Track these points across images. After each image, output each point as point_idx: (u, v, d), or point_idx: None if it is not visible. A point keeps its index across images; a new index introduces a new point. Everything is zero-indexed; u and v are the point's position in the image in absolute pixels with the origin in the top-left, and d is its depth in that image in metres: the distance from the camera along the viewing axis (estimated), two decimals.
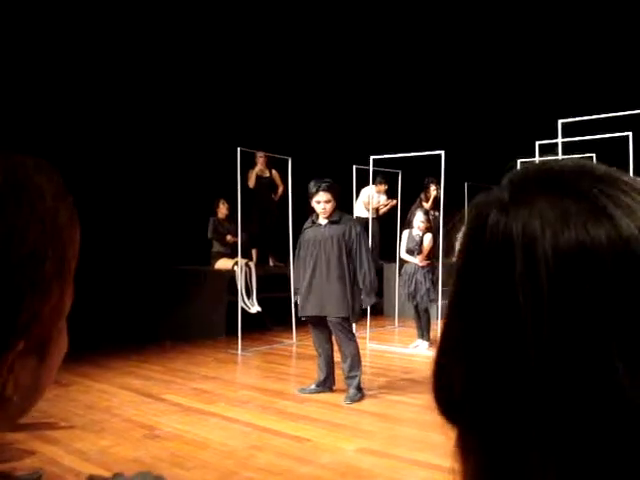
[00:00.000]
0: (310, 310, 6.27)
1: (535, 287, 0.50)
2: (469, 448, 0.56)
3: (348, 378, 6.30)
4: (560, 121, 6.70)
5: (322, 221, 6.34)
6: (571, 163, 0.57)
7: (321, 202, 6.24)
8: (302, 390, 6.52)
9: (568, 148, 7.03)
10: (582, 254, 0.50)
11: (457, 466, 0.59)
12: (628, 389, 0.49)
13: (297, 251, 6.64)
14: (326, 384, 6.51)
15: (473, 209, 0.59)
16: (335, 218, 6.31)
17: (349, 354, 6.28)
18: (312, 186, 6.27)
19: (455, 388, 0.55)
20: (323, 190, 6.21)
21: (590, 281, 0.50)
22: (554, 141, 7.04)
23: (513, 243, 0.52)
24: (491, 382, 0.52)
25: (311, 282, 6.27)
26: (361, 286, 6.27)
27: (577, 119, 6.68)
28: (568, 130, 6.82)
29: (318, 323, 6.36)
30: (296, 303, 6.83)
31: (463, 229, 0.59)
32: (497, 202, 0.55)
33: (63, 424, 5.30)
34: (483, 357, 0.52)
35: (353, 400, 6.16)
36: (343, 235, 6.24)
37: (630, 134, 6.65)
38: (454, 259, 0.61)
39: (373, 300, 6.59)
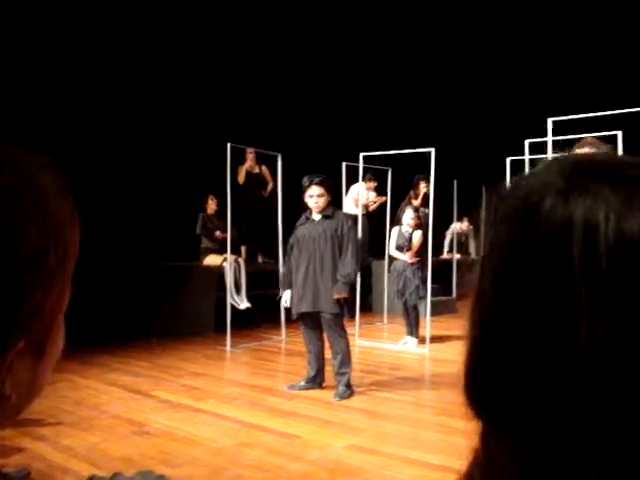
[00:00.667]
0: (304, 306, 6.25)
1: (594, 272, 0.50)
2: (503, 441, 0.55)
3: (338, 375, 6.30)
4: (550, 119, 6.70)
5: (315, 216, 6.34)
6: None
7: (314, 196, 6.24)
8: (291, 387, 6.51)
9: (558, 147, 7.04)
10: None
11: (482, 462, 0.58)
12: None
13: (289, 247, 6.61)
14: (316, 381, 6.51)
15: (517, 196, 0.58)
16: (328, 213, 6.31)
17: (340, 350, 6.28)
18: (305, 180, 6.28)
19: (495, 377, 0.55)
20: (316, 184, 6.22)
21: None
22: (544, 139, 7.05)
23: (573, 228, 0.52)
24: (537, 370, 0.52)
25: (305, 277, 6.26)
26: (338, 275, 6.21)
27: (567, 117, 6.69)
28: (557, 128, 6.83)
29: (310, 319, 6.35)
30: (279, 299, 6.77)
31: (499, 215, 0.59)
32: (551, 188, 0.55)
33: (51, 421, 5.28)
34: (532, 343, 0.52)
35: (342, 397, 6.16)
36: (336, 230, 6.24)
37: (619, 133, 6.65)
38: (486, 247, 0.61)
39: (344, 292, 6.41)
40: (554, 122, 6.70)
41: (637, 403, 0.49)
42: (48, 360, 0.68)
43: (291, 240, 6.57)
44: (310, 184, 6.23)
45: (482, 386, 0.57)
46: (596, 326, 0.50)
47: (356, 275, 6.50)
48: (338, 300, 6.18)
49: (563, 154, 0.62)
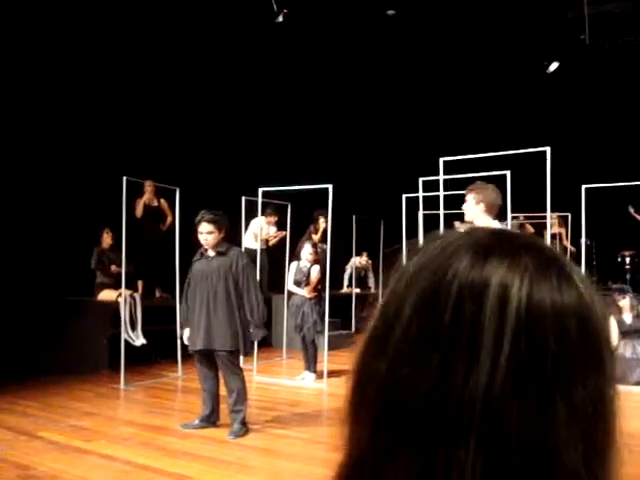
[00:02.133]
0: (199, 344, 6.18)
1: (500, 331, 0.54)
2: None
3: (233, 412, 6.24)
4: (442, 159, 6.93)
5: (210, 253, 6.32)
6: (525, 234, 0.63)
7: (203, 233, 6.24)
8: (185, 426, 6.40)
9: (449, 185, 7.28)
10: (553, 310, 0.55)
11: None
12: (564, 450, 0.52)
13: (186, 284, 6.55)
14: (210, 419, 6.42)
15: (434, 247, 0.61)
16: (221, 249, 6.29)
17: (235, 388, 6.22)
18: (197, 217, 6.27)
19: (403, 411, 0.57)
20: (205, 221, 6.21)
21: (556, 335, 0.54)
22: (436, 178, 7.27)
23: (486, 287, 0.56)
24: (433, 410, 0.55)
25: (199, 315, 6.19)
26: (249, 319, 6.24)
27: (458, 157, 6.94)
28: (449, 168, 7.07)
29: (205, 357, 6.28)
30: (181, 337, 6.70)
31: (409, 264, 0.62)
32: (469, 248, 0.59)
33: None
34: (436, 386, 0.55)
35: (237, 435, 6.10)
36: (230, 267, 6.22)
37: (508, 173, 6.94)
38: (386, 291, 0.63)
39: (262, 333, 6.55)
40: (445, 162, 6.93)
41: (519, 459, 0.52)
42: None
43: (188, 276, 6.52)
44: (200, 221, 6.24)
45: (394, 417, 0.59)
46: (495, 377, 0.53)
47: (265, 313, 6.48)
48: (238, 337, 6.16)
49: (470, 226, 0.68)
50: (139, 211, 10.68)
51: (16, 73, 9.69)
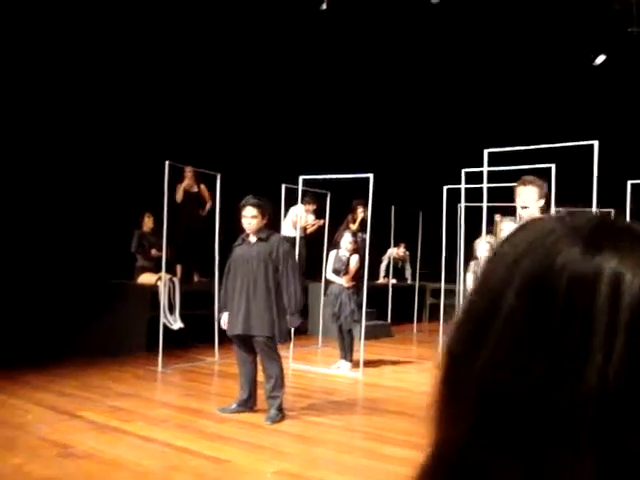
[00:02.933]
0: (237, 329, 6.20)
1: (613, 326, 0.52)
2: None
3: (270, 398, 6.26)
4: (486, 151, 6.85)
5: (251, 239, 6.34)
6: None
7: (247, 217, 6.26)
8: (222, 410, 6.44)
9: (492, 177, 7.20)
10: None
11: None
12: None
13: (226, 268, 6.57)
14: (247, 404, 6.45)
15: (533, 231, 0.59)
16: (262, 236, 6.30)
17: (273, 374, 6.24)
18: (242, 202, 6.30)
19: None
20: (250, 205, 6.25)
21: None
22: (480, 169, 7.20)
23: (598, 278, 0.54)
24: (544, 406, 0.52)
25: (239, 300, 6.22)
26: (286, 306, 6.24)
27: (503, 149, 6.85)
28: (493, 159, 6.98)
29: (243, 342, 6.31)
30: (219, 321, 6.73)
31: (512, 252, 0.59)
32: (576, 236, 0.57)
33: None
34: (545, 381, 0.53)
35: (274, 421, 6.13)
36: (270, 254, 6.22)
37: (553, 166, 6.84)
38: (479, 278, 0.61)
39: (298, 321, 6.55)
40: (490, 153, 6.85)
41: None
42: None
43: (229, 260, 6.54)
44: (245, 205, 6.28)
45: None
46: (608, 374, 0.52)
47: (302, 301, 6.47)
48: (274, 324, 6.17)
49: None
50: (179, 196, 10.75)
51: (62, 54, 9.79)
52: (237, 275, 6.30)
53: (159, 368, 8.41)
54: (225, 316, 6.41)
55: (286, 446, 5.45)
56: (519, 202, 5.46)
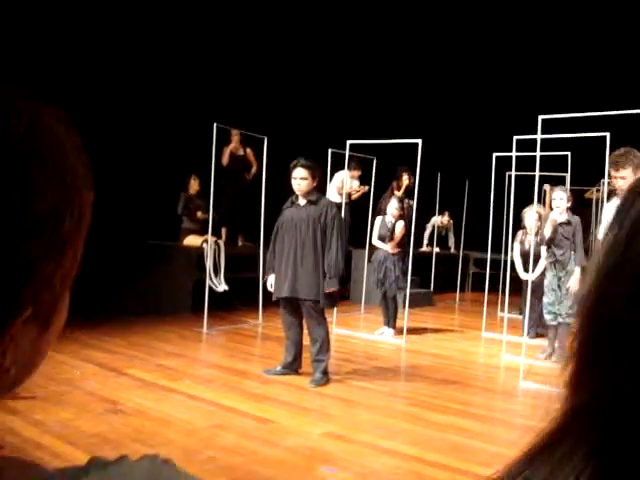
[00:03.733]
0: (284, 291, 6.21)
1: None
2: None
3: (315, 362, 6.28)
4: (540, 117, 6.69)
5: (301, 201, 6.30)
6: None
7: (297, 178, 6.22)
8: (268, 371, 6.49)
9: (544, 145, 7.06)
10: None
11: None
12: None
13: (274, 230, 6.50)
14: (292, 366, 6.48)
15: None
16: (312, 198, 6.26)
17: (318, 337, 6.26)
18: (293, 163, 6.27)
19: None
20: (301, 166, 6.20)
21: None
22: (532, 137, 7.05)
23: None
24: None
25: (286, 263, 6.21)
26: (325, 269, 6.18)
27: (557, 116, 6.69)
28: (545, 126, 6.83)
29: (290, 305, 6.32)
30: (264, 283, 6.72)
31: None
32: None
33: (24, 394, 5.20)
34: None
35: (318, 384, 6.15)
36: (319, 217, 6.19)
37: (608, 134, 6.68)
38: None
39: (335, 287, 6.37)
40: (544, 120, 6.70)
41: None
42: (52, 333, 0.64)
43: (277, 223, 6.50)
44: (296, 166, 6.23)
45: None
46: None
47: (343, 267, 6.40)
48: (330, 293, 6.15)
49: None
50: (225, 159, 10.76)
51: (109, 19, 9.81)
52: (285, 237, 6.28)
53: (204, 329, 8.50)
54: (272, 278, 6.40)
55: (331, 409, 5.47)
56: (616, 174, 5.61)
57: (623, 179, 5.78)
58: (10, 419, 4.62)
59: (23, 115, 0.56)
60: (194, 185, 10.65)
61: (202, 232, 9.95)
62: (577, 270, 7.51)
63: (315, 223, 6.18)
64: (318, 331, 6.25)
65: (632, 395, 0.49)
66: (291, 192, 6.36)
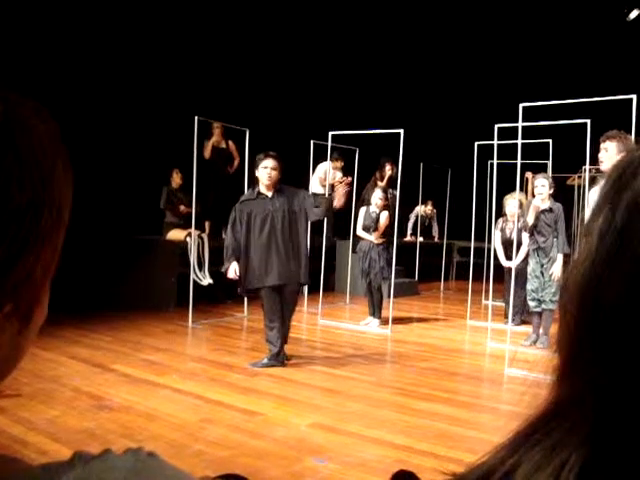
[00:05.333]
0: (271, 280, 6.31)
1: None
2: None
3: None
4: (521, 105, 6.71)
5: (267, 193, 6.42)
6: None
7: (268, 168, 6.33)
8: (254, 364, 6.49)
9: (526, 133, 7.08)
10: None
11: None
12: None
13: (235, 220, 6.49)
14: (278, 358, 6.50)
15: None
16: (278, 188, 6.46)
17: (291, 319, 6.69)
18: (260, 155, 6.43)
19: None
20: (271, 157, 6.37)
21: None
22: (514, 125, 7.07)
23: None
24: None
25: (269, 253, 6.32)
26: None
27: (538, 104, 6.71)
28: (526, 114, 6.86)
29: (274, 293, 6.43)
30: (226, 271, 6.66)
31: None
32: None
33: (9, 392, 5.18)
34: None
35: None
36: (291, 205, 6.41)
37: (588, 121, 6.72)
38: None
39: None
40: (525, 107, 6.72)
41: None
42: (33, 327, 0.64)
43: (236, 214, 6.49)
44: (266, 156, 6.37)
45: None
46: None
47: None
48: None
49: None
50: (207, 152, 10.72)
51: (91, 14, 9.73)
52: (262, 229, 6.36)
53: (189, 323, 8.49)
54: (234, 265, 6.44)
55: (318, 400, 5.48)
56: (602, 157, 5.67)
57: (605, 151, 5.86)
58: None
59: None
60: (176, 179, 10.61)
61: (185, 226, 9.92)
62: (560, 257, 7.56)
63: (289, 213, 6.38)
64: (292, 314, 6.67)
65: (628, 387, 0.49)
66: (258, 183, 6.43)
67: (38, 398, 5.14)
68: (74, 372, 6.01)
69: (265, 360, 6.51)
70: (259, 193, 6.45)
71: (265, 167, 6.32)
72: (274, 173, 6.33)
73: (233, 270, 6.45)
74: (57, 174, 0.60)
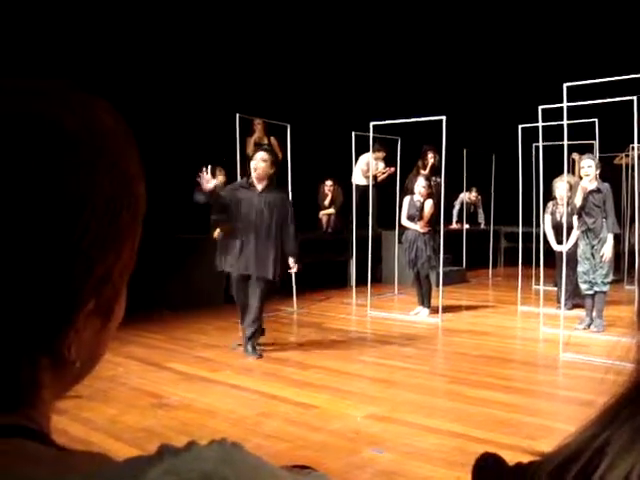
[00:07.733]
0: (248, 269, 6.55)
1: None
2: None
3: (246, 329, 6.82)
4: (565, 85, 6.60)
5: (258, 186, 6.60)
6: None
7: (257, 160, 6.59)
8: (239, 345, 6.93)
9: (570, 113, 6.97)
10: None
11: None
12: None
13: (223, 200, 6.66)
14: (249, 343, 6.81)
15: None
16: (268, 184, 6.64)
17: (254, 309, 6.78)
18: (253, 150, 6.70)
19: None
20: (264, 150, 6.80)
21: None
22: (558, 105, 6.96)
23: None
24: None
25: (246, 243, 6.52)
26: (288, 251, 6.65)
27: (582, 83, 6.60)
28: (571, 94, 6.74)
29: (242, 280, 6.72)
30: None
31: None
32: None
33: (69, 394, 5.26)
34: None
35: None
36: (279, 206, 6.61)
37: (635, 98, 6.58)
38: None
39: (298, 262, 6.83)
40: (568, 88, 6.61)
41: None
42: (113, 325, 0.65)
43: (230, 197, 6.63)
44: (258, 150, 6.89)
45: None
46: None
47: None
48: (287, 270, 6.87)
49: None
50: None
51: (135, 16, 9.84)
52: (244, 218, 6.52)
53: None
54: (217, 231, 6.94)
55: (372, 391, 5.49)
56: None
57: None
58: (57, 419, 4.68)
59: (77, 108, 0.57)
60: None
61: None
62: (610, 237, 7.44)
63: (274, 210, 6.56)
64: (255, 303, 6.75)
65: None
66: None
67: (98, 398, 5.22)
68: (131, 372, 6.11)
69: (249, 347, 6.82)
70: (250, 184, 6.63)
71: (255, 159, 6.62)
72: (262, 164, 6.53)
73: (217, 232, 6.96)
74: (133, 170, 0.61)
